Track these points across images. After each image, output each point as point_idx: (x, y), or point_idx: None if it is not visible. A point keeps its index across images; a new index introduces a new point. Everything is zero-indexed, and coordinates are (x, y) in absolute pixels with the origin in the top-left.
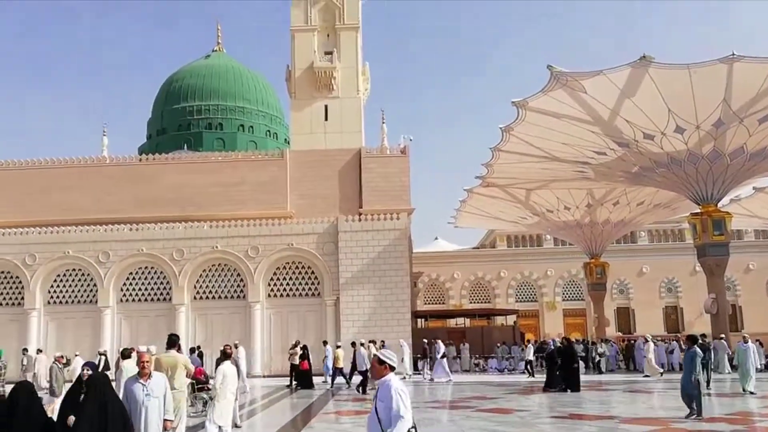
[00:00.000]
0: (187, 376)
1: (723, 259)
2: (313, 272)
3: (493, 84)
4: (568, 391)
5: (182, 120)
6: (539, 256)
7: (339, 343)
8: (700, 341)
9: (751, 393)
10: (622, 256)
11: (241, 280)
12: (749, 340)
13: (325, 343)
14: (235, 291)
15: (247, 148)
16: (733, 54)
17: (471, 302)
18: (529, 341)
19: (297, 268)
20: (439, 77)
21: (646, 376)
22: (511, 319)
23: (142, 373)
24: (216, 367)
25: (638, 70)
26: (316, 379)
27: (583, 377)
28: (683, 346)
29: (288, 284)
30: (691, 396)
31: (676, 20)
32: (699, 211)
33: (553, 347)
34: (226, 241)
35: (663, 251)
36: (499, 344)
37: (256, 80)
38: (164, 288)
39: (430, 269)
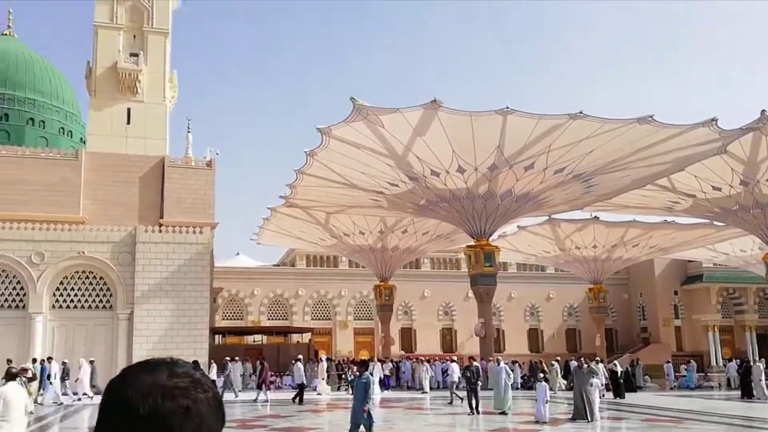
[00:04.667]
0: None
1: (491, 287)
2: (105, 283)
3: (302, 108)
4: None
5: None
6: (335, 277)
7: None
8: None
9: (503, 413)
10: (407, 280)
11: (21, 288)
12: (501, 362)
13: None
14: (14, 300)
15: (37, 145)
16: (507, 107)
17: (269, 319)
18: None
19: (88, 278)
20: (250, 94)
21: (319, 393)
22: (306, 337)
23: None
24: None
25: (429, 112)
26: None
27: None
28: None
29: (77, 295)
30: (359, 423)
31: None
32: (473, 244)
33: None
34: (5, 244)
35: (442, 278)
36: (294, 361)
37: (51, 72)
38: None
39: (231, 285)
